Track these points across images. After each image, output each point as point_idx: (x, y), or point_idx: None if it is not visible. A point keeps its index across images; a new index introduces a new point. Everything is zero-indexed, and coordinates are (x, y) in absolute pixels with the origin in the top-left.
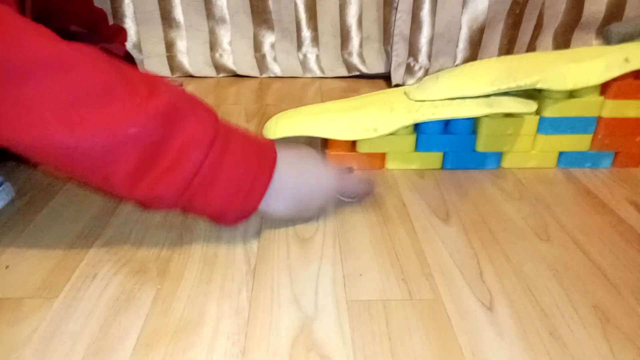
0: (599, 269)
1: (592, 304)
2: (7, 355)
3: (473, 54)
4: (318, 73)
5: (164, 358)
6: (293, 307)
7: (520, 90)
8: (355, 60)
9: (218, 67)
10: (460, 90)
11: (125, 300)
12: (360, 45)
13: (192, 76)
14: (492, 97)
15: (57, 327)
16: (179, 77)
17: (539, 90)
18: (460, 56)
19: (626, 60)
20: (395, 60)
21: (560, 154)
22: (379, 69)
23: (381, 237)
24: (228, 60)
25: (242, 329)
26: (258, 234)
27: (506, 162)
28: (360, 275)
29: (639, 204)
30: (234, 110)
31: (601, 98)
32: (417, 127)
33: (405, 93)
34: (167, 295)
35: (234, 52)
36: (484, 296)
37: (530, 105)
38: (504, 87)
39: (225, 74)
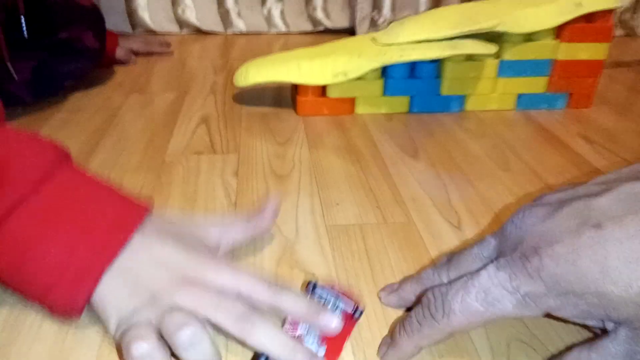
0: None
1: None
2: None
3: (435, 7)
4: (283, 28)
5: None
6: (275, 233)
7: (481, 35)
8: (319, 14)
9: (181, 23)
10: (426, 33)
11: None
12: (325, 0)
13: (154, 32)
14: (455, 40)
15: None
16: (141, 34)
17: (499, 35)
18: (422, 9)
19: (578, 4)
20: (359, 14)
21: (519, 96)
22: (344, 23)
23: (355, 172)
24: (191, 16)
25: (229, 254)
26: (235, 173)
27: (469, 105)
28: (337, 204)
29: (590, 138)
30: (200, 64)
31: (556, 41)
32: (384, 72)
33: (372, 39)
34: None
35: (197, 7)
36: (452, 218)
37: (491, 48)
38: (466, 29)
39: (189, 31)
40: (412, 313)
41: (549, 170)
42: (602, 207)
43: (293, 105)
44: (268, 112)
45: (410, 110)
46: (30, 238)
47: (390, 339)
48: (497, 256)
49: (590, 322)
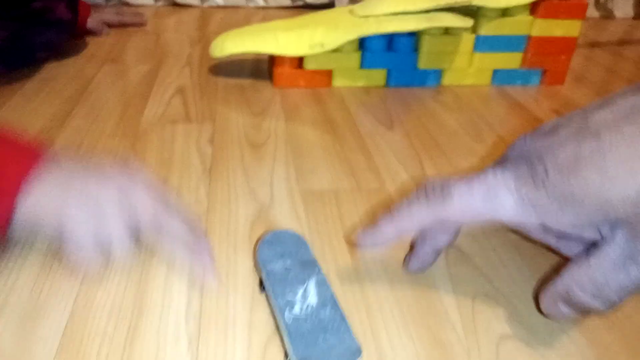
0: None
1: None
2: None
3: None
4: (261, 2)
5: None
6: (250, 198)
7: (458, 10)
8: None
9: None
10: (402, 6)
11: None
12: None
13: (128, 4)
14: (431, 13)
15: None
16: (114, 5)
17: (475, 10)
18: None
19: None
20: None
21: (494, 72)
22: None
23: (330, 142)
24: None
25: (202, 216)
26: (211, 141)
27: (446, 80)
28: (312, 171)
29: (563, 114)
30: (176, 37)
31: (531, 17)
32: (362, 45)
33: (350, 11)
34: None
35: None
36: None
37: (467, 21)
38: (442, 3)
39: (164, 3)
40: (404, 199)
41: None
42: (600, 118)
43: (270, 77)
44: (244, 83)
45: (387, 84)
46: None
47: (373, 224)
48: None
49: (586, 233)
